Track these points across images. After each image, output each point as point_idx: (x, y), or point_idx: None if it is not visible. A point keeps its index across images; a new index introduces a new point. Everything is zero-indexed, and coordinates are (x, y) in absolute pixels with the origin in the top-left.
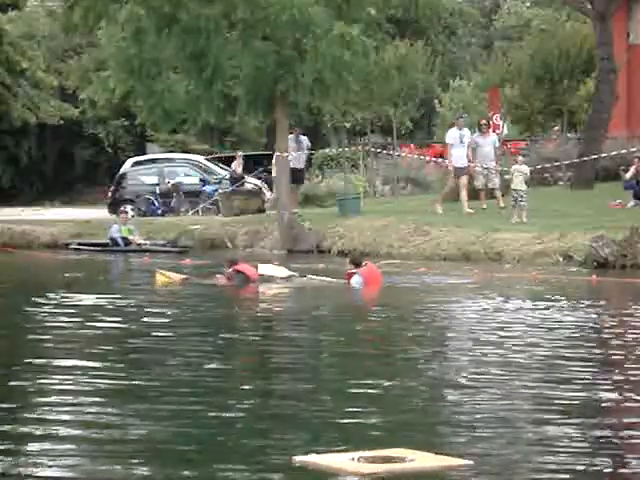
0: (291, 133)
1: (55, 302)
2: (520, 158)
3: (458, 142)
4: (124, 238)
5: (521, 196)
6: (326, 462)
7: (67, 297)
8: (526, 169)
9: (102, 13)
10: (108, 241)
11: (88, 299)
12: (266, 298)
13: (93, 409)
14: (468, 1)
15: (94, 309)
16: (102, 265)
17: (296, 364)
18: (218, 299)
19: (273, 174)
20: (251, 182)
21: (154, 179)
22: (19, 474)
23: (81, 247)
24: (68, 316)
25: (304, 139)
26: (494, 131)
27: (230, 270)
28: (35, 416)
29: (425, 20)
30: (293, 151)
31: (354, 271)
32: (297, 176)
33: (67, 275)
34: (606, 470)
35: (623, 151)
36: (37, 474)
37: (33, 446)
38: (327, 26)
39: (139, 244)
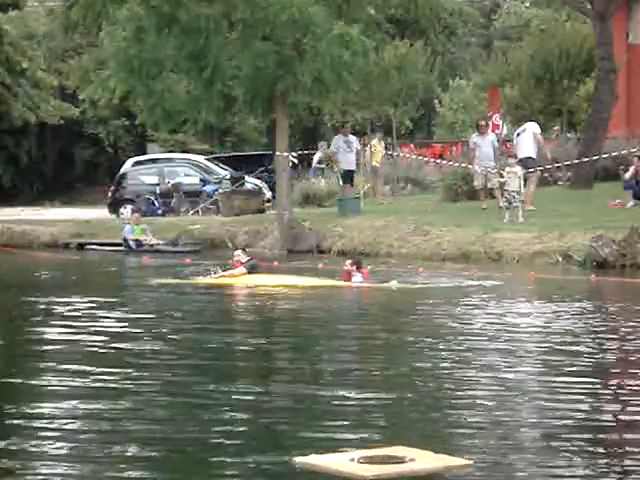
0: (338, 133)
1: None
2: (511, 160)
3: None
4: (136, 239)
5: (514, 197)
6: (326, 462)
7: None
8: (519, 169)
9: (101, 12)
10: (121, 241)
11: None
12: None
13: (89, 411)
14: (468, 1)
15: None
16: (98, 265)
17: (296, 364)
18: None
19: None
20: (251, 182)
21: (154, 179)
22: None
23: (95, 247)
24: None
25: (354, 139)
26: (494, 131)
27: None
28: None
29: (425, 20)
30: (343, 152)
31: (356, 272)
32: (349, 177)
33: (41, 274)
34: (606, 470)
35: (623, 151)
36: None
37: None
38: (327, 26)
39: (151, 244)
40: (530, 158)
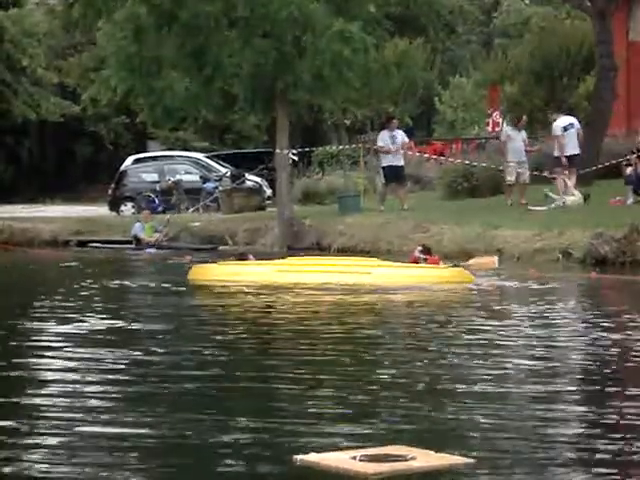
0: (384, 128)
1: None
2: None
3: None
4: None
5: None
6: (326, 461)
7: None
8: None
9: (102, 10)
10: (130, 238)
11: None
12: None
13: (86, 413)
14: None
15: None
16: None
17: (295, 363)
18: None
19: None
20: (251, 179)
21: (154, 176)
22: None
23: (103, 245)
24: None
25: (400, 134)
26: (494, 130)
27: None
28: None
29: (424, 17)
30: (389, 147)
31: (424, 257)
32: (396, 173)
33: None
34: (607, 470)
35: (626, 157)
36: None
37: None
38: (327, 23)
39: (157, 241)
40: (578, 155)
